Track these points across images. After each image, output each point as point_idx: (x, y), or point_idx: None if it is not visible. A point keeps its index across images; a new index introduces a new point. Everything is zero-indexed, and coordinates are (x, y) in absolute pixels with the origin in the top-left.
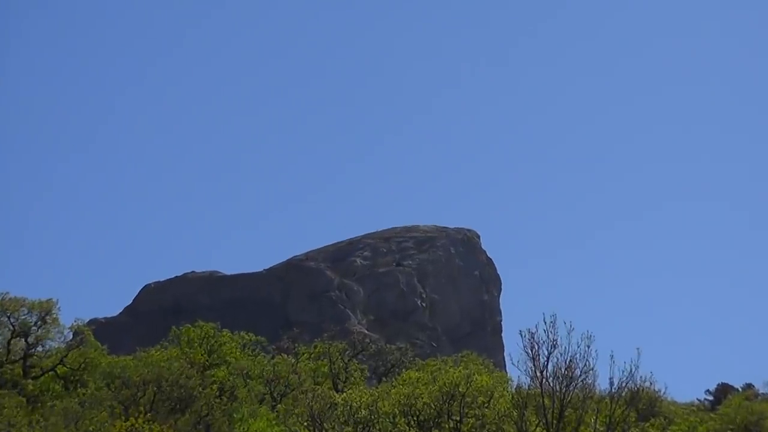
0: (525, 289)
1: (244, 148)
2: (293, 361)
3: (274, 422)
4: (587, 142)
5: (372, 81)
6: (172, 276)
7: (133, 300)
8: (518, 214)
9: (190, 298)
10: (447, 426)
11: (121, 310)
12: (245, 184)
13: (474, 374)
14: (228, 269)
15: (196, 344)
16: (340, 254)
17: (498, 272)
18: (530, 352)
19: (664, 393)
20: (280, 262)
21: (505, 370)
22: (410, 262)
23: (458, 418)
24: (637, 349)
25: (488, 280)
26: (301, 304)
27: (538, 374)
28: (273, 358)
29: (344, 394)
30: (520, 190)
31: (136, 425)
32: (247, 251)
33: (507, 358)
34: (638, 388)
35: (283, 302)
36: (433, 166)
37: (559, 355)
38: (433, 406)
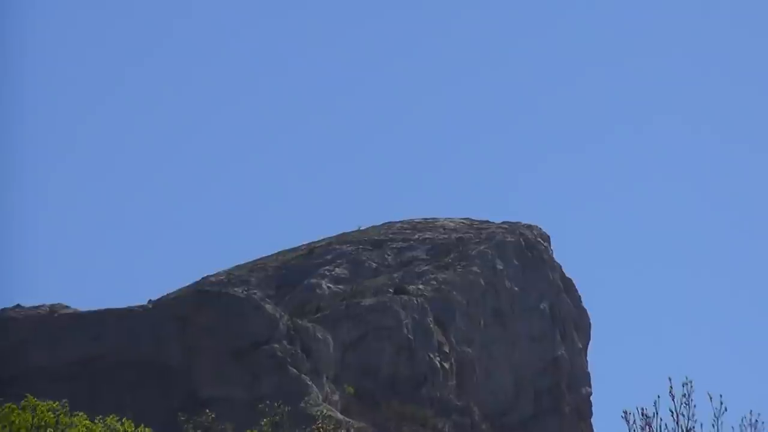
0: (630, 336)
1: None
2: None
3: None
4: None
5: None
6: None
7: None
8: (608, 210)
9: (12, 353)
10: None
11: None
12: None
13: None
14: (85, 302)
15: None
16: (292, 272)
17: (584, 304)
18: None
19: None
20: (181, 287)
21: None
22: (421, 285)
23: None
24: None
25: (565, 318)
26: (219, 366)
27: None
28: None
29: None
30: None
31: None
32: (119, 272)
33: None
34: None
35: (185, 363)
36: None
37: None
38: None
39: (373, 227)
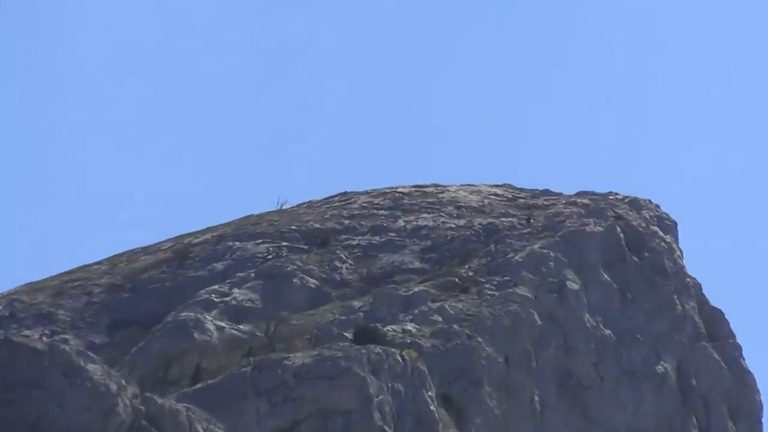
0: None
1: None
2: None
3: None
4: None
5: None
6: None
7: None
8: None
9: None
10: None
11: None
12: None
13: None
14: None
15: None
16: (146, 298)
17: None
18: None
19: None
20: None
21: None
22: (411, 324)
23: None
24: None
25: (714, 391)
26: None
27: None
28: None
29: None
30: None
31: None
32: None
33: None
34: None
35: None
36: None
37: None
38: None
39: (313, 204)
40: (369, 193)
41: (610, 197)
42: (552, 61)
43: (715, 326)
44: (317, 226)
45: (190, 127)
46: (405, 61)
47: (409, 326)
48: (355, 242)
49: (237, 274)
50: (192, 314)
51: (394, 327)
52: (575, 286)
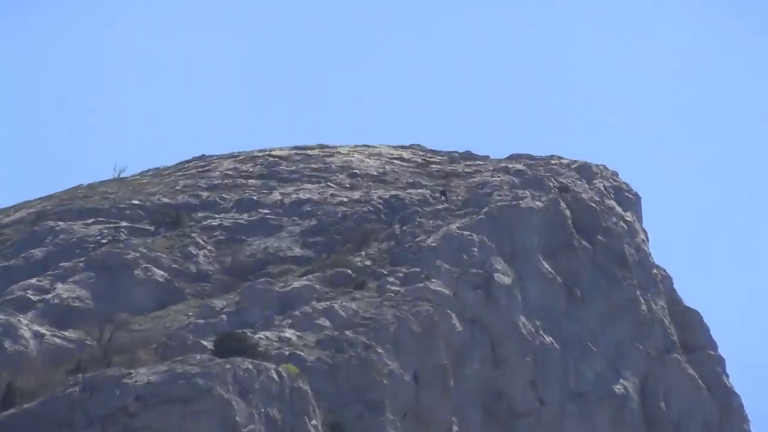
0: None
1: None
2: None
3: None
4: None
5: None
6: None
7: None
8: None
9: None
10: None
11: None
12: None
13: None
14: None
15: None
16: None
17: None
18: None
19: None
20: None
21: None
22: (290, 332)
23: None
24: None
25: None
26: None
27: None
28: None
29: None
30: None
31: None
32: None
33: None
34: None
35: None
36: None
37: None
38: None
39: (160, 171)
40: (234, 156)
41: (553, 162)
42: None
43: (690, 333)
44: (166, 200)
45: None
46: None
47: (288, 333)
48: (215, 222)
49: (61, 264)
50: (1, 317)
51: (267, 334)
52: (507, 280)
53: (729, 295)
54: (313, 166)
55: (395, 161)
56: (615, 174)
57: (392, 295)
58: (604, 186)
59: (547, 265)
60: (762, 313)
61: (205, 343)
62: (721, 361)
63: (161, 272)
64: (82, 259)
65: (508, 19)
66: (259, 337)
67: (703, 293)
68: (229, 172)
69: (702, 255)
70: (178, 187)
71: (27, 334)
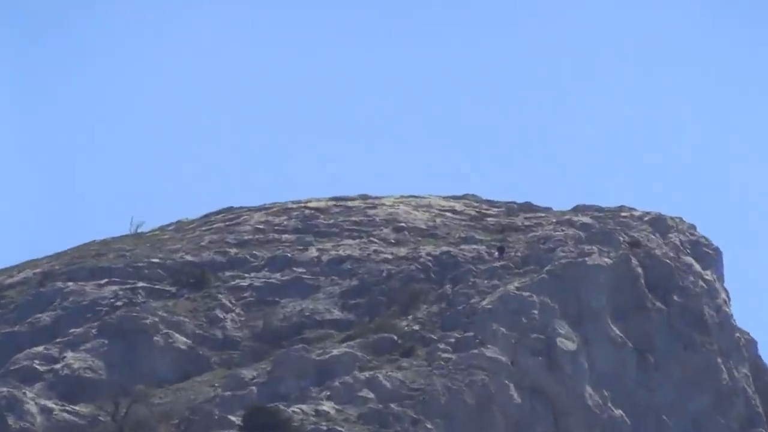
0: None
1: None
2: None
3: None
4: None
5: None
6: None
7: None
8: None
9: None
10: None
11: None
12: None
13: None
14: None
15: None
16: None
17: None
18: None
19: None
20: None
21: None
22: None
23: None
24: None
25: None
26: None
27: None
28: None
29: None
30: None
31: None
32: None
33: None
34: None
35: None
36: None
37: None
38: None
39: (183, 225)
40: (266, 208)
41: (623, 214)
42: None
43: None
44: (189, 258)
45: None
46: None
47: (326, 406)
48: (245, 282)
49: (71, 330)
50: (5, 389)
51: (303, 407)
52: (571, 346)
53: None
54: (354, 219)
55: (446, 213)
56: (692, 227)
57: (443, 363)
58: (680, 240)
59: (616, 329)
60: None
61: (232, 418)
62: None
63: (183, 339)
64: (95, 324)
65: (570, 56)
66: (294, 411)
67: None
68: (260, 226)
69: None
70: (203, 243)
71: (33, 408)
